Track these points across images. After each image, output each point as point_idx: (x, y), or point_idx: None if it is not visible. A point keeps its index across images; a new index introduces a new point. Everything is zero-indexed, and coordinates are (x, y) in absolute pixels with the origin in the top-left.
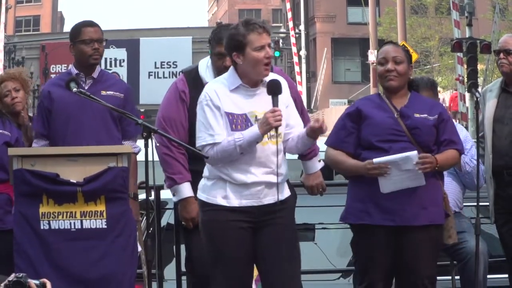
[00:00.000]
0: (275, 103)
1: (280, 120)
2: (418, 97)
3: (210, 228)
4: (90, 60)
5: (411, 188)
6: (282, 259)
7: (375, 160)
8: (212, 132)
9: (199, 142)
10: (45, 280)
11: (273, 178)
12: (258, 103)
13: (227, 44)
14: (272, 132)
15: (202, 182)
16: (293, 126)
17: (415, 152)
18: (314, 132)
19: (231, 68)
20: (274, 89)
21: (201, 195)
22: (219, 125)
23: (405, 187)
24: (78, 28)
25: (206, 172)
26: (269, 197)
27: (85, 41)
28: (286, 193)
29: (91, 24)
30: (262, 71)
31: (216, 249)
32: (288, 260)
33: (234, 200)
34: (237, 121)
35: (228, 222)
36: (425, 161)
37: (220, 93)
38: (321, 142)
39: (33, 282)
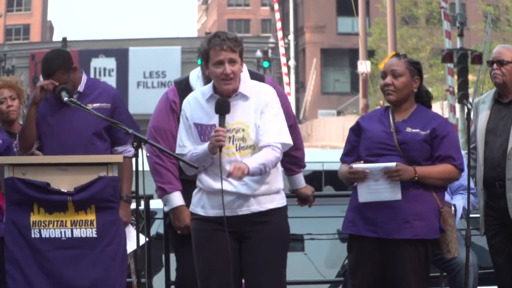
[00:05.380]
0: (220, 122)
1: (222, 140)
2: (421, 111)
3: (194, 237)
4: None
5: (395, 201)
6: (262, 273)
7: (354, 165)
8: (181, 143)
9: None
10: None
11: (246, 190)
12: (230, 114)
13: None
14: (242, 144)
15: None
16: (261, 136)
17: (393, 164)
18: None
19: None
20: (220, 109)
21: (190, 204)
22: (188, 137)
23: (381, 199)
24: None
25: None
26: (244, 208)
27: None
28: (271, 204)
29: (48, 71)
30: (221, 86)
31: (201, 257)
32: (268, 274)
33: (209, 210)
34: (205, 132)
35: (207, 231)
36: (389, 170)
37: (193, 103)
38: (310, 153)
39: None
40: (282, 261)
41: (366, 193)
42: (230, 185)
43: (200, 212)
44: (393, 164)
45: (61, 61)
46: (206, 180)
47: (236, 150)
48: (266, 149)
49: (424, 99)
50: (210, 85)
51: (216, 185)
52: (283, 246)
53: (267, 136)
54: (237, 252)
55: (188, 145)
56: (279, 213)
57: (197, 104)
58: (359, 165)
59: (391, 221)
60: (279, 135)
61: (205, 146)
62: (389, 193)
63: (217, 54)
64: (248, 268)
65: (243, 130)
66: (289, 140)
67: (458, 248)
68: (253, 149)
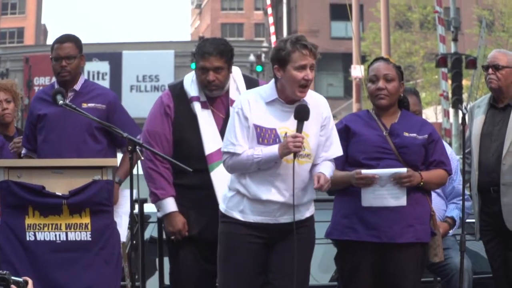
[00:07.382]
0: (298, 128)
1: (300, 146)
2: (408, 116)
3: (226, 240)
4: (58, 77)
5: (397, 205)
6: (291, 274)
7: (364, 171)
8: (235, 141)
9: (222, 146)
10: (27, 278)
11: (291, 200)
12: (291, 121)
13: (272, 55)
14: (301, 152)
15: (225, 191)
16: (326, 150)
17: (404, 170)
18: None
19: (272, 80)
20: (301, 115)
21: (221, 205)
22: (243, 136)
23: (385, 204)
24: (53, 44)
25: (228, 182)
26: (286, 216)
27: (54, 58)
28: (308, 212)
29: (61, 40)
30: (296, 91)
31: (229, 260)
32: (297, 276)
33: (249, 216)
34: (264, 135)
35: (242, 236)
36: (400, 176)
37: (253, 104)
38: None
39: (15, 279)
40: (309, 260)
41: (372, 198)
42: (281, 196)
43: (238, 216)
44: (404, 170)
45: (75, 38)
46: (253, 188)
47: (295, 157)
48: (331, 163)
49: (405, 104)
50: (268, 88)
51: (266, 195)
52: (311, 251)
53: (332, 149)
54: (265, 258)
55: (243, 145)
56: (311, 221)
57: (258, 106)
58: (368, 171)
59: (395, 225)
60: (339, 148)
61: (273, 149)
62: (394, 199)
63: (303, 58)
64: (276, 263)
65: (302, 138)
66: (341, 152)
67: (453, 253)
68: (309, 158)
